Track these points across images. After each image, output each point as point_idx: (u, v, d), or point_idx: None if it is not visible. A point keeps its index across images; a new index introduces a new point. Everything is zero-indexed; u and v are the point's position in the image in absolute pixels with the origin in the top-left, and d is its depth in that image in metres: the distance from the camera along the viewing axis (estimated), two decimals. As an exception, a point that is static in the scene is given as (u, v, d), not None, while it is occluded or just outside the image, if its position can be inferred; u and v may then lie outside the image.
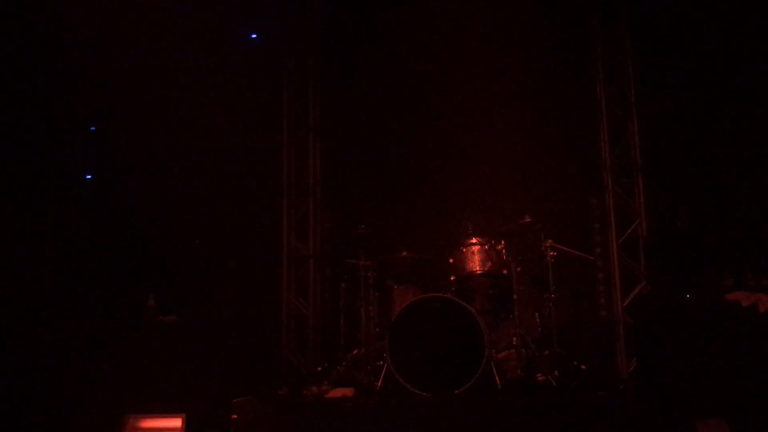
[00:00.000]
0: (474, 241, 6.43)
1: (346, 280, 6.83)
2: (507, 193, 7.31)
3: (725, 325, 5.70)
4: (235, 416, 5.57)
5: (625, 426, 5.09)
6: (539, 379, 5.95)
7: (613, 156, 7.40)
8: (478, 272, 6.37)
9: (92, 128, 7.77)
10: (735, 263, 6.07)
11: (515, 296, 6.14)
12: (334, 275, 7.41)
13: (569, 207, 7.34)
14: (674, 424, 5.10)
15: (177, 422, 5.64)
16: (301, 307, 7.82)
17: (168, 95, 7.57)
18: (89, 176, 7.80)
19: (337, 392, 5.98)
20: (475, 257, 6.40)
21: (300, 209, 8.04)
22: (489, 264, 6.37)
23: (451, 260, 6.53)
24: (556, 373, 5.91)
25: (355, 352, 6.54)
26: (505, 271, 6.35)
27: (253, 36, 8.18)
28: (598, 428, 5.10)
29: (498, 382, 5.68)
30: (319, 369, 6.87)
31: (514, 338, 6.11)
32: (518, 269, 6.25)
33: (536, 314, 6.40)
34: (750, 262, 5.95)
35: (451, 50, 7.65)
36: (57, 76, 7.16)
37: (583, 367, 6.25)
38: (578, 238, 6.95)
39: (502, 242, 6.47)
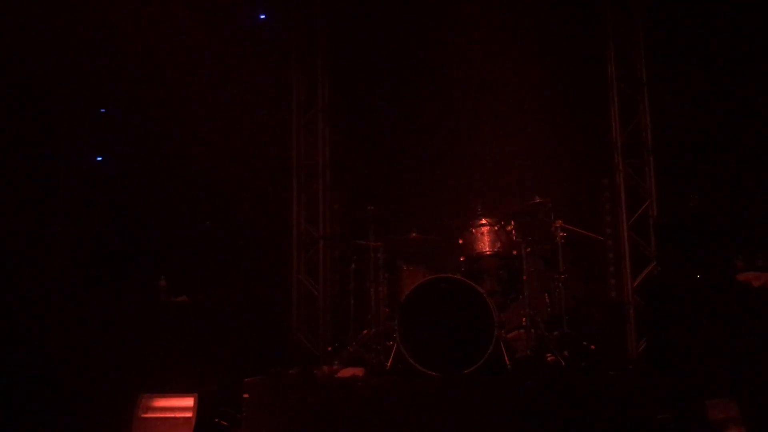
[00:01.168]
0: (484, 221, 6.43)
1: (356, 261, 6.85)
2: (517, 174, 7.30)
3: (735, 305, 5.70)
4: (246, 395, 5.62)
5: (634, 406, 5.11)
6: (548, 359, 5.96)
7: (624, 136, 7.36)
8: (488, 253, 6.37)
9: (102, 110, 7.78)
10: (745, 243, 6.05)
11: (525, 277, 6.15)
12: (343, 256, 7.43)
13: (579, 187, 7.31)
14: (683, 404, 5.12)
15: (189, 401, 5.72)
16: (311, 287, 7.86)
17: (178, 76, 7.57)
18: (100, 158, 7.83)
19: (348, 372, 6.03)
20: (485, 238, 6.39)
21: (310, 190, 8.05)
22: (498, 245, 6.37)
23: (460, 241, 6.53)
24: (566, 353, 5.92)
25: (365, 332, 6.58)
26: (514, 252, 6.34)
27: (263, 16, 8.15)
28: (608, 408, 5.12)
29: (507, 362, 5.70)
30: (330, 349, 6.92)
31: (524, 318, 6.12)
32: (528, 250, 6.25)
33: (546, 295, 6.40)
34: (760, 243, 5.92)
35: (463, 31, 7.60)
36: (68, 58, 7.17)
37: (592, 347, 6.26)
38: (588, 219, 6.93)
39: (512, 223, 6.47)
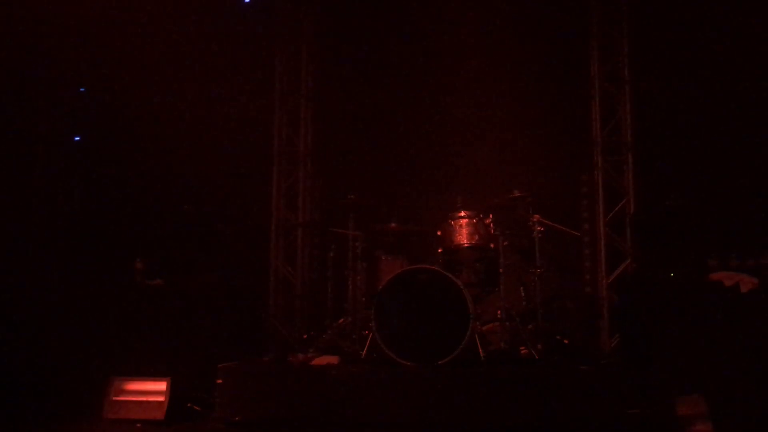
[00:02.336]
0: (463, 214, 6.46)
1: (334, 250, 6.86)
2: (497, 168, 7.32)
3: (707, 304, 5.78)
4: (219, 381, 5.61)
5: (605, 400, 5.17)
6: (522, 352, 6.03)
7: (604, 133, 7.40)
8: (466, 245, 6.40)
9: (81, 89, 7.68)
10: (720, 243, 6.13)
11: (501, 270, 6.20)
12: (322, 244, 7.42)
13: (558, 183, 7.35)
14: (653, 400, 5.19)
15: (162, 385, 5.70)
16: (288, 275, 7.85)
17: (159, 58, 7.49)
18: (78, 138, 7.73)
19: (322, 360, 6.04)
20: (463, 230, 6.42)
21: (290, 177, 8.02)
22: (477, 237, 6.40)
23: (439, 233, 6.56)
24: (539, 346, 5.99)
25: (341, 320, 6.59)
26: (492, 245, 6.38)
27: (247, 0, 8.07)
28: (579, 402, 5.18)
29: (481, 353, 5.74)
30: (305, 337, 6.92)
31: (499, 311, 6.17)
32: (505, 243, 6.30)
33: (521, 288, 6.46)
34: (734, 243, 6.00)
35: (448, 26, 7.62)
36: (45, 36, 7.06)
37: (566, 341, 6.33)
38: (566, 214, 6.96)
39: (491, 216, 6.51)
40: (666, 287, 6.17)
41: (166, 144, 7.54)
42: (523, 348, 6.04)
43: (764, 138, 6.60)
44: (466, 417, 5.21)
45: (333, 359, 6.05)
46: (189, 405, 5.80)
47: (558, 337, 6.34)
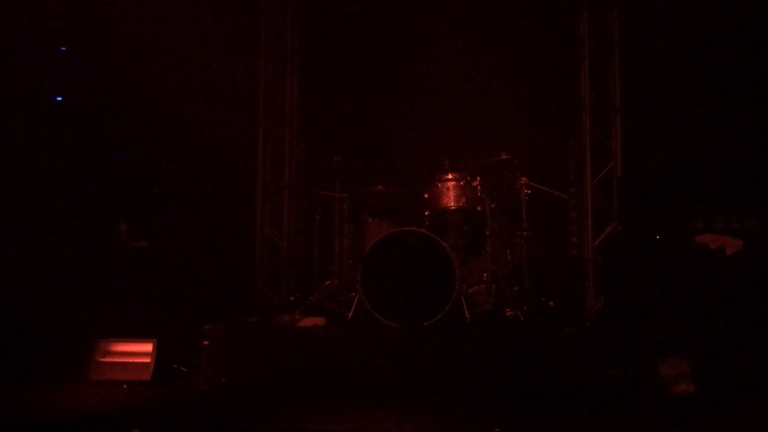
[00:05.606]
0: (449, 176, 6.43)
1: (321, 212, 6.83)
2: (484, 130, 7.26)
3: (692, 266, 5.82)
4: (206, 342, 5.62)
5: (588, 362, 5.22)
6: (508, 314, 6.06)
7: (592, 96, 7.36)
8: (453, 208, 6.39)
9: (62, 48, 7.52)
10: (705, 206, 6.15)
11: (488, 232, 6.20)
12: (308, 207, 7.38)
13: (546, 145, 7.31)
14: (637, 361, 5.25)
15: (148, 347, 5.70)
16: (274, 237, 7.82)
17: (142, 18, 7.33)
18: (60, 98, 7.60)
19: (309, 321, 6.06)
20: (450, 193, 6.40)
21: (276, 139, 7.94)
22: (463, 200, 6.39)
23: (426, 195, 6.54)
24: (525, 308, 6.02)
25: (327, 283, 6.59)
26: (479, 208, 6.38)
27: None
28: (563, 363, 5.23)
29: (467, 315, 5.78)
30: (292, 299, 6.93)
31: (485, 273, 6.19)
32: (492, 206, 6.30)
33: (508, 251, 6.47)
34: (720, 205, 6.02)
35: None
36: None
37: (551, 303, 6.38)
38: (553, 177, 6.95)
39: (478, 178, 6.49)
40: (652, 250, 6.20)
41: (150, 105, 7.42)
42: (508, 310, 6.07)
43: (751, 101, 6.59)
44: (452, 378, 5.25)
45: (320, 321, 6.06)
46: (175, 366, 5.81)
47: (543, 299, 6.38)
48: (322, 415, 4.59)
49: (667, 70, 7.06)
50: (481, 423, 4.44)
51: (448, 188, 6.40)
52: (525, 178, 6.34)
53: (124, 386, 5.45)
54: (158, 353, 5.64)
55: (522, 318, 5.91)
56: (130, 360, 5.63)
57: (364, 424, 4.38)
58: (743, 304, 5.44)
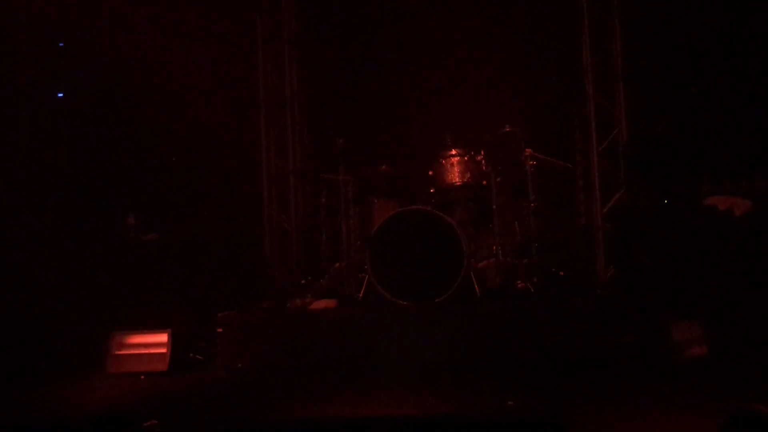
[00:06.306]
0: (453, 152, 6.40)
1: (327, 195, 6.82)
2: (486, 104, 7.20)
3: (701, 229, 5.79)
4: (220, 330, 5.66)
5: (600, 330, 5.23)
6: (519, 286, 6.05)
7: (594, 63, 7.28)
8: (458, 184, 6.36)
9: (60, 44, 7.51)
10: (713, 167, 6.10)
11: (494, 206, 6.18)
12: (314, 190, 7.37)
13: (549, 116, 7.25)
14: (649, 326, 5.24)
15: (163, 337, 5.76)
16: (282, 222, 7.83)
17: (139, 9, 7.30)
18: (61, 95, 7.61)
19: (320, 304, 6.09)
20: (455, 169, 6.38)
21: (278, 124, 7.93)
22: (468, 175, 6.36)
23: (430, 173, 6.52)
24: (535, 280, 6.01)
25: (337, 265, 6.61)
26: (484, 182, 6.35)
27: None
28: (575, 332, 5.24)
29: (477, 290, 5.78)
30: (303, 282, 6.95)
31: (494, 247, 6.18)
32: (498, 179, 6.26)
33: (516, 223, 6.44)
34: (727, 167, 5.98)
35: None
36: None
37: (561, 273, 6.36)
38: (558, 147, 6.90)
39: (482, 153, 6.45)
40: (660, 215, 6.18)
41: (151, 96, 7.42)
42: (519, 282, 6.06)
43: (755, 62, 6.50)
44: (465, 353, 5.28)
45: (331, 303, 6.09)
46: (191, 355, 5.87)
47: (553, 270, 6.36)
48: (337, 396, 4.63)
49: (669, 32, 6.96)
50: (494, 397, 4.46)
51: (452, 164, 6.38)
52: (530, 150, 6.28)
53: (142, 377, 5.51)
54: (173, 343, 5.70)
55: (532, 290, 5.91)
56: (146, 351, 5.70)
57: (379, 404, 4.41)
58: (753, 264, 5.42)
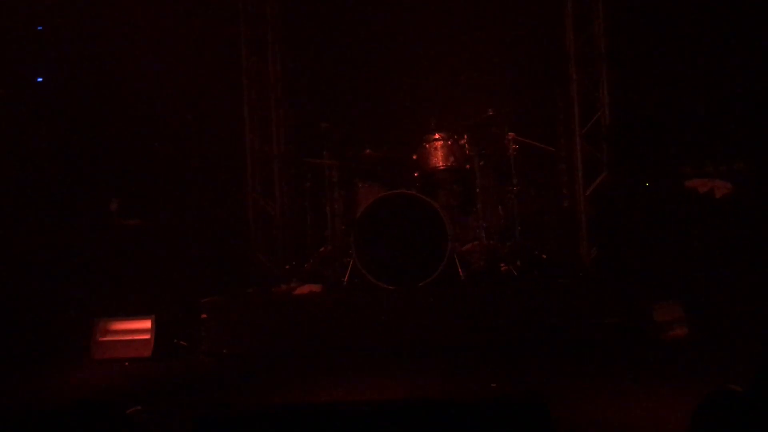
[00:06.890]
0: (437, 136, 6.40)
1: (311, 179, 6.82)
2: (469, 87, 7.21)
3: (682, 211, 5.85)
4: (204, 315, 5.66)
5: (583, 311, 5.27)
6: (502, 269, 6.09)
7: (577, 45, 7.28)
8: (442, 167, 6.37)
9: (39, 28, 7.41)
10: (694, 150, 6.14)
11: (478, 190, 6.20)
12: (299, 174, 7.36)
13: (532, 98, 7.27)
14: (631, 308, 5.30)
15: (147, 323, 5.74)
16: (267, 207, 7.82)
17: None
18: (40, 79, 7.51)
19: (305, 289, 6.09)
20: (438, 153, 6.38)
21: (262, 108, 7.88)
22: (452, 159, 6.36)
23: (414, 156, 6.52)
24: (518, 263, 6.05)
25: (322, 249, 6.62)
26: (468, 166, 6.36)
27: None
28: (557, 314, 5.28)
29: (461, 273, 5.81)
30: (287, 267, 6.95)
31: (478, 231, 6.21)
32: (481, 163, 6.30)
33: (499, 207, 6.48)
34: (708, 150, 6.02)
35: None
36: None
37: (543, 256, 6.41)
38: (541, 130, 6.93)
39: (465, 136, 6.46)
40: (642, 197, 6.23)
41: (133, 79, 7.34)
42: (502, 265, 6.11)
43: (737, 44, 6.52)
44: (449, 336, 5.31)
45: (316, 287, 6.10)
46: (175, 341, 5.86)
47: (536, 253, 6.41)
48: (322, 381, 4.64)
49: (652, 15, 6.96)
50: (478, 380, 4.50)
51: (435, 148, 6.38)
52: (512, 134, 6.31)
53: (126, 364, 5.51)
54: (157, 329, 5.68)
55: (516, 273, 5.96)
56: (130, 338, 5.68)
57: (364, 388, 4.44)
58: (734, 246, 5.48)
